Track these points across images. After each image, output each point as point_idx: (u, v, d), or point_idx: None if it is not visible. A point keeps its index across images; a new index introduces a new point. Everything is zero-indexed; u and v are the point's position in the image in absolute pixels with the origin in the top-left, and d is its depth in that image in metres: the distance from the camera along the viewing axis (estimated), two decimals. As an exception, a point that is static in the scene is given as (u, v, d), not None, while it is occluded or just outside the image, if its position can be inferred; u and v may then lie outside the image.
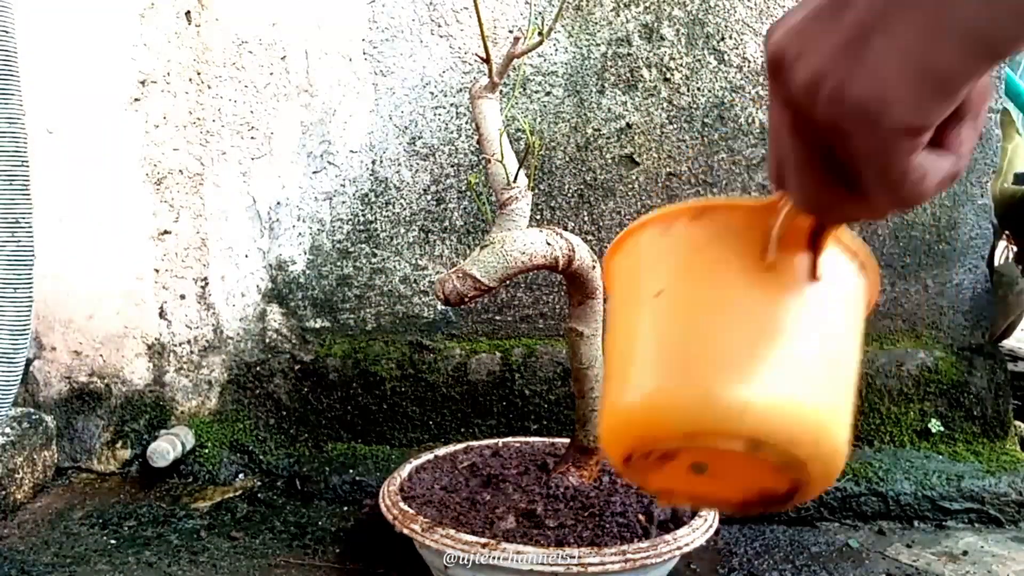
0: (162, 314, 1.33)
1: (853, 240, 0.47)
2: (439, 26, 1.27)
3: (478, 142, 0.91)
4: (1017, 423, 1.34)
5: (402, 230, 1.31)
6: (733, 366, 0.44)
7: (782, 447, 0.45)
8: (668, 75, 1.27)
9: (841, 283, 0.47)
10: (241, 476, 1.30)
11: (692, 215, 0.48)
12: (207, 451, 1.31)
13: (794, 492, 0.48)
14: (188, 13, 1.27)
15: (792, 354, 0.45)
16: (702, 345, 0.46)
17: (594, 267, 0.87)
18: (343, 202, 1.31)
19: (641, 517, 0.86)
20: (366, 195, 1.31)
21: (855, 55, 0.28)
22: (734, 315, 0.46)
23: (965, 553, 1.09)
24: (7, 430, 1.22)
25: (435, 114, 1.29)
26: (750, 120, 1.29)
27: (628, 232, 0.52)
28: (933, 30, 0.27)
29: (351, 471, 1.25)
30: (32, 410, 1.32)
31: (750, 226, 0.45)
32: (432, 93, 1.29)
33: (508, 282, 1.01)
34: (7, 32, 1.02)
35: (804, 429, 0.44)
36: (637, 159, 1.29)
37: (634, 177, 1.30)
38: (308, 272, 1.33)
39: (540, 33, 0.86)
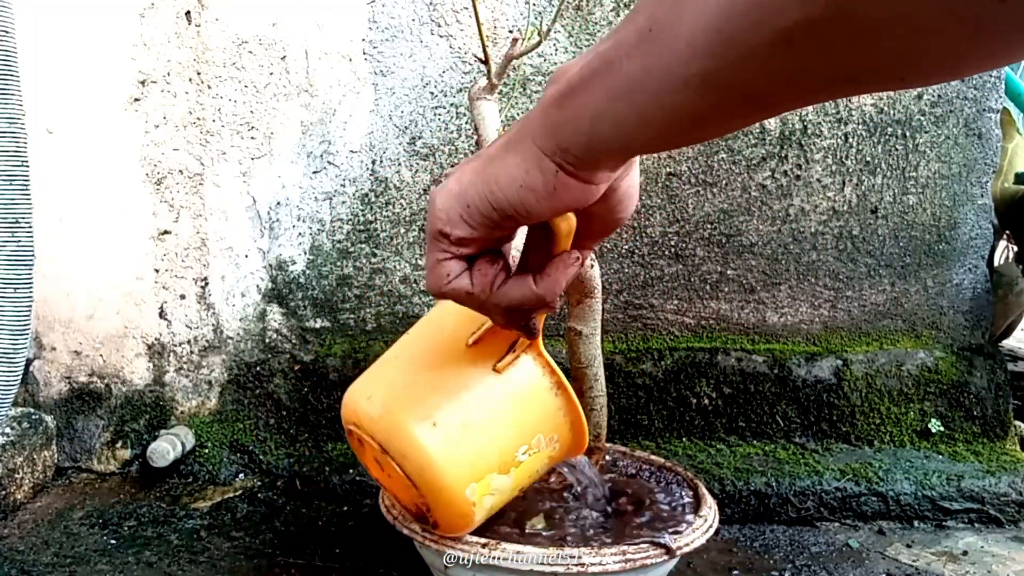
0: (162, 314, 1.33)
1: (555, 366, 0.66)
2: (439, 26, 1.27)
3: (477, 144, 0.91)
4: (1017, 423, 1.34)
5: (402, 230, 1.31)
6: (397, 396, 0.64)
7: (396, 458, 0.63)
8: (668, 75, 1.27)
9: (520, 385, 0.65)
10: (241, 476, 1.30)
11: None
12: (207, 451, 1.31)
13: (428, 513, 0.68)
14: (188, 13, 1.27)
15: (441, 407, 0.63)
16: (397, 382, 0.66)
17: (593, 266, 0.87)
18: (343, 202, 1.31)
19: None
20: (366, 195, 1.31)
21: (446, 185, 0.44)
22: (424, 369, 0.65)
23: (965, 553, 1.09)
24: (7, 430, 1.22)
25: (435, 114, 1.29)
26: (750, 120, 1.29)
27: None
28: (476, 174, 0.42)
29: (351, 471, 1.25)
30: (32, 410, 1.32)
31: (475, 316, 0.59)
32: (432, 93, 1.29)
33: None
34: (7, 32, 1.02)
35: (416, 453, 0.62)
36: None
37: (634, 177, 1.30)
38: (308, 272, 1.33)
39: (539, 34, 0.86)
